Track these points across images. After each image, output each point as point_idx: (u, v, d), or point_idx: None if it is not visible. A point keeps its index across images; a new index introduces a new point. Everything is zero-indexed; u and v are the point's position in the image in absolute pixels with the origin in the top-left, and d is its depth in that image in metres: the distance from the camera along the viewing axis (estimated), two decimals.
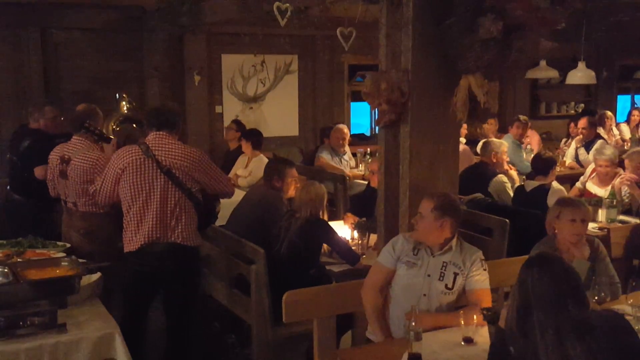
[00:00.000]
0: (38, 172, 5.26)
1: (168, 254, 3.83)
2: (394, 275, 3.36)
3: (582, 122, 8.33)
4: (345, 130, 7.88)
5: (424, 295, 3.26)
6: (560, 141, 9.55)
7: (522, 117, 8.46)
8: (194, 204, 3.90)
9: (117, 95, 6.82)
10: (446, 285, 3.28)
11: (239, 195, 5.76)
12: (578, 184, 6.20)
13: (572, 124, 9.11)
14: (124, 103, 6.67)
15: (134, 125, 6.43)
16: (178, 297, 3.99)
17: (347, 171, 7.77)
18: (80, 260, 3.51)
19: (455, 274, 3.30)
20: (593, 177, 6.06)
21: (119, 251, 4.08)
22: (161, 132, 3.92)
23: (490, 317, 2.88)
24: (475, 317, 3.02)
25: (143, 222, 3.81)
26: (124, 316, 3.91)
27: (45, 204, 5.29)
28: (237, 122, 7.89)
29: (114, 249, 4.34)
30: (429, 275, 3.28)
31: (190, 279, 4.02)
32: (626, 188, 5.66)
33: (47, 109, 5.64)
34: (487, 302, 3.28)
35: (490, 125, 8.53)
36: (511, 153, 7.14)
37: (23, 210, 5.46)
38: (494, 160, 6.25)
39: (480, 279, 3.33)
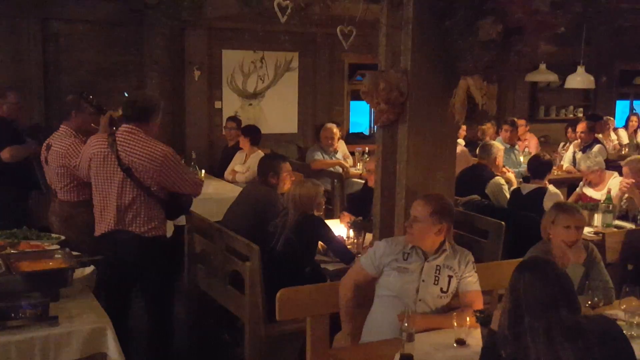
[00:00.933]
0: (4, 155, 5.28)
1: (128, 243, 3.91)
2: (381, 281, 3.32)
3: (581, 126, 8.35)
4: (334, 129, 7.83)
5: (420, 300, 3.24)
6: (558, 145, 9.57)
7: (509, 119, 8.44)
8: (155, 198, 3.92)
9: (126, 93, 6.78)
10: (441, 289, 3.26)
11: (235, 190, 5.77)
12: (578, 190, 6.20)
13: (569, 129, 9.11)
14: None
15: None
16: (149, 287, 4.08)
17: (343, 162, 7.76)
18: (74, 253, 3.50)
19: (450, 277, 3.28)
20: (588, 182, 6.06)
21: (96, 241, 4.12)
22: (131, 126, 3.92)
23: (483, 319, 2.88)
24: (468, 319, 3.02)
25: (105, 211, 3.95)
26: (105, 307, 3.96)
27: (19, 192, 5.31)
28: (236, 120, 7.86)
29: (91, 238, 4.36)
30: (423, 281, 3.24)
31: (159, 269, 4.06)
32: (626, 194, 5.65)
33: (11, 94, 5.65)
34: (479, 303, 3.29)
35: (489, 128, 8.54)
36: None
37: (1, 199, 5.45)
38: (496, 163, 6.27)
39: (472, 280, 3.33)
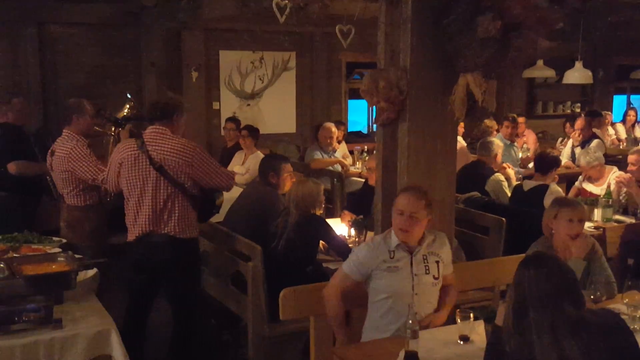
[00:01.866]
0: (12, 167, 5.27)
1: (163, 245, 3.91)
2: (373, 286, 3.28)
3: (580, 122, 8.36)
4: (333, 128, 7.81)
5: (416, 294, 3.22)
6: (557, 140, 9.58)
7: (510, 115, 8.45)
8: (189, 197, 3.94)
9: (129, 95, 6.76)
10: (434, 276, 3.28)
11: (235, 191, 5.76)
12: (577, 184, 6.21)
13: (567, 124, 9.13)
14: (127, 106, 6.61)
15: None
16: (177, 289, 4.07)
17: (342, 160, 7.77)
18: (77, 255, 3.50)
19: (437, 262, 3.31)
20: (587, 177, 6.07)
21: (107, 247, 4.13)
22: (157, 126, 3.97)
23: (487, 315, 2.89)
24: (472, 315, 3.02)
25: (139, 215, 3.93)
26: (127, 308, 4.04)
27: (29, 199, 5.30)
28: (235, 121, 7.86)
29: (98, 244, 4.41)
30: (416, 275, 3.24)
31: (188, 271, 4.08)
32: (624, 188, 5.67)
33: (16, 101, 5.64)
34: (454, 280, 3.45)
35: (493, 125, 8.51)
36: (502, 153, 7.13)
37: (8, 205, 5.44)
38: (497, 160, 6.28)
39: (449, 259, 3.40)
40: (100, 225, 4.55)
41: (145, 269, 4.00)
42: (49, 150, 4.61)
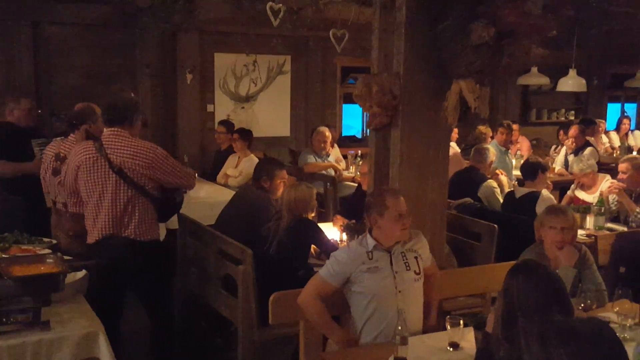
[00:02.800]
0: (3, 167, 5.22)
1: (123, 248, 3.90)
2: (355, 289, 3.27)
3: (573, 130, 8.39)
4: (327, 133, 7.81)
5: (399, 292, 3.23)
6: (550, 148, 9.60)
7: (505, 122, 8.47)
8: (149, 199, 3.93)
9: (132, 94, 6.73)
10: (415, 272, 3.31)
11: (227, 194, 5.75)
12: (570, 192, 6.22)
13: (561, 132, 9.15)
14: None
15: None
16: (146, 291, 4.07)
17: (336, 164, 7.76)
18: (66, 257, 3.48)
19: (416, 258, 3.34)
20: (580, 185, 6.09)
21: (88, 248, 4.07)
22: (114, 129, 3.93)
23: (476, 322, 2.88)
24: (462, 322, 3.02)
25: (98, 218, 3.92)
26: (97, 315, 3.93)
27: (34, 204, 5.24)
28: (226, 125, 7.84)
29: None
30: (397, 272, 3.26)
31: (154, 273, 4.06)
32: (614, 196, 5.68)
33: (23, 101, 5.60)
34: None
35: (487, 132, 8.53)
36: (496, 160, 7.15)
37: (15, 209, 5.37)
38: (490, 167, 6.29)
39: (427, 252, 3.45)
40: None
41: (107, 272, 3.93)
42: (54, 153, 4.51)
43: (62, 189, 4.39)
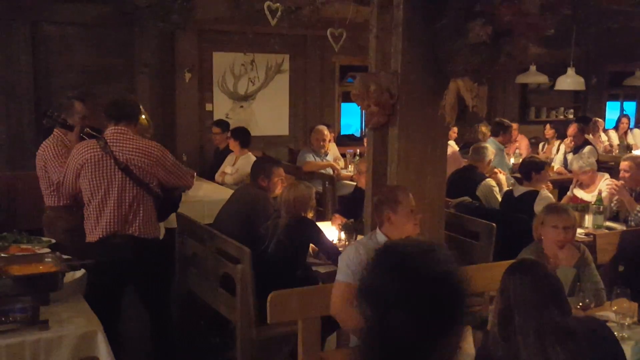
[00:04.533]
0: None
1: (126, 246, 3.92)
2: None
3: (572, 129, 8.39)
4: (325, 131, 7.81)
5: None
6: (538, 146, 9.65)
7: (505, 121, 8.47)
8: (152, 197, 3.96)
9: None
10: None
11: (226, 193, 5.75)
12: (569, 193, 6.21)
13: (547, 125, 9.21)
14: None
15: None
16: (146, 289, 4.09)
17: (334, 163, 7.76)
18: (65, 256, 3.48)
19: None
20: (579, 183, 6.08)
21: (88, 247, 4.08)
22: (119, 127, 3.95)
23: (475, 322, 2.88)
24: None
25: (102, 216, 3.91)
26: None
27: None
28: (220, 125, 7.82)
29: (74, 244, 4.32)
30: None
31: (154, 271, 4.08)
32: (616, 196, 5.67)
33: (77, 104, 5.47)
34: None
35: (487, 130, 8.53)
36: (495, 158, 7.15)
37: None
38: (488, 165, 6.29)
39: None
40: (77, 227, 4.48)
41: (108, 271, 3.92)
42: None
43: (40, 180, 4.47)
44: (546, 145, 9.54)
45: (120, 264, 3.95)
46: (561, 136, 9.23)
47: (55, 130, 4.55)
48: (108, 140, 3.89)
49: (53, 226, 4.48)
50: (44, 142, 4.51)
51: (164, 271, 4.26)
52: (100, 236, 3.93)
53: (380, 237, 3.30)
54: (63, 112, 4.54)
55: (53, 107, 4.75)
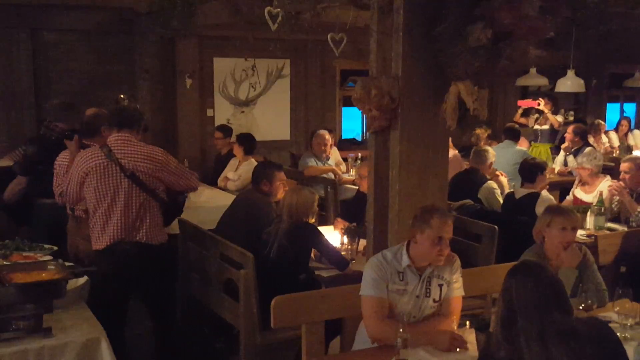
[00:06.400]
0: None
1: (133, 253, 3.92)
2: None
3: (570, 131, 8.40)
4: (327, 136, 7.82)
5: (413, 317, 3.12)
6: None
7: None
8: (158, 203, 3.97)
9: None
10: (434, 300, 3.17)
11: (228, 198, 5.76)
12: (569, 197, 6.21)
13: (545, 99, 9.42)
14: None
15: None
16: (154, 296, 4.10)
17: (336, 168, 7.76)
18: (67, 263, 3.49)
19: (440, 285, 3.17)
20: (580, 184, 6.09)
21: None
22: (122, 133, 3.95)
23: (478, 324, 2.89)
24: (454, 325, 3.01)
25: (108, 224, 3.90)
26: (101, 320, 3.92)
27: None
28: (223, 130, 7.83)
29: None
30: (417, 297, 3.13)
31: (161, 276, 4.10)
32: (616, 197, 5.68)
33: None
34: (459, 309, 3.19)
35: (483, 133, 8.56)
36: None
37: None
38: (489, 168, 6.30)
39: (458, 286, 3.21)
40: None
41: (113, 279, 3.94)
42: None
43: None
44: (540, 118, 9.68)
45: (127, 270, 3.95)
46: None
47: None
48: (112, 147, 3.89)
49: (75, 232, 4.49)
50: (63, 152, 4.48)
51: (169, 276, 4.26)
52: (107, 244, 3.92)
53: (405, 258, 3.11)
54: (60, 122, 4.58)
55: (51, 116, 4.74)
